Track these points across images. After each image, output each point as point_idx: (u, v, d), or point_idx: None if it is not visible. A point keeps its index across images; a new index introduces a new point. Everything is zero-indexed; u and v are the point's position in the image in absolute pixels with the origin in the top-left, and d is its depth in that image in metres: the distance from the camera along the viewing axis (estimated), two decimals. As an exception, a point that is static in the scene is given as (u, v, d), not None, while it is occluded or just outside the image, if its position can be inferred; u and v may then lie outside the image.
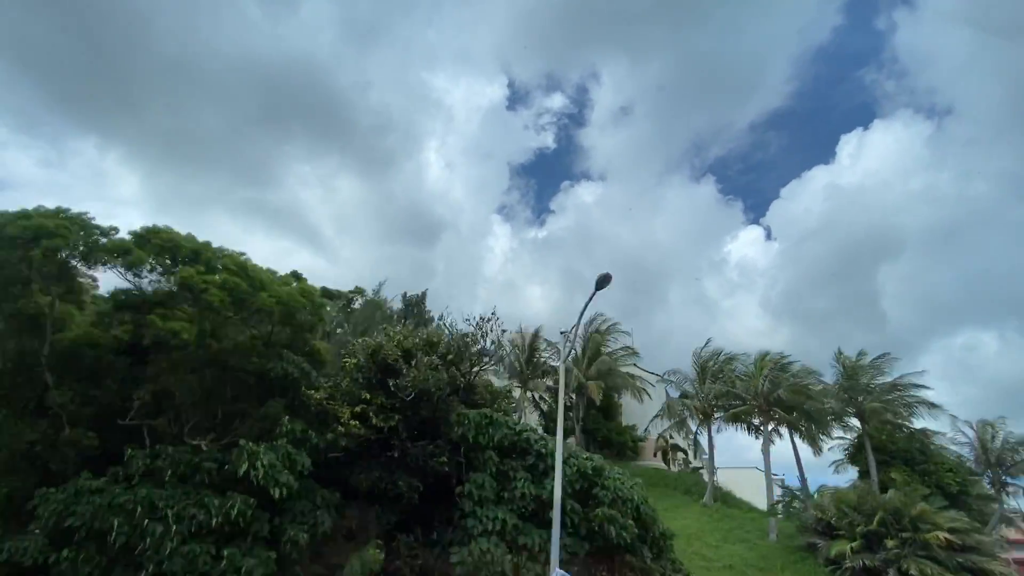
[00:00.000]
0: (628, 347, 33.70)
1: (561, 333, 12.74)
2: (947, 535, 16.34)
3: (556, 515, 10.19)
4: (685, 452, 32.92)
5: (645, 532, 12.14)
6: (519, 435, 12.32)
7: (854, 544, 17.60)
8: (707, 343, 28.65)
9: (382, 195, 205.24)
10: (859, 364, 25.61)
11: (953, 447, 30.61)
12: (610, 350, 33.63)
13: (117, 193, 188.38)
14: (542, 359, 34.51)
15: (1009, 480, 29.40)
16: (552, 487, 11.52)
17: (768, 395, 23.37)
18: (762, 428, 24.71)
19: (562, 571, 9.68)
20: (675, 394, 32.68)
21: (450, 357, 13.17)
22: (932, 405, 24.38)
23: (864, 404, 24.10)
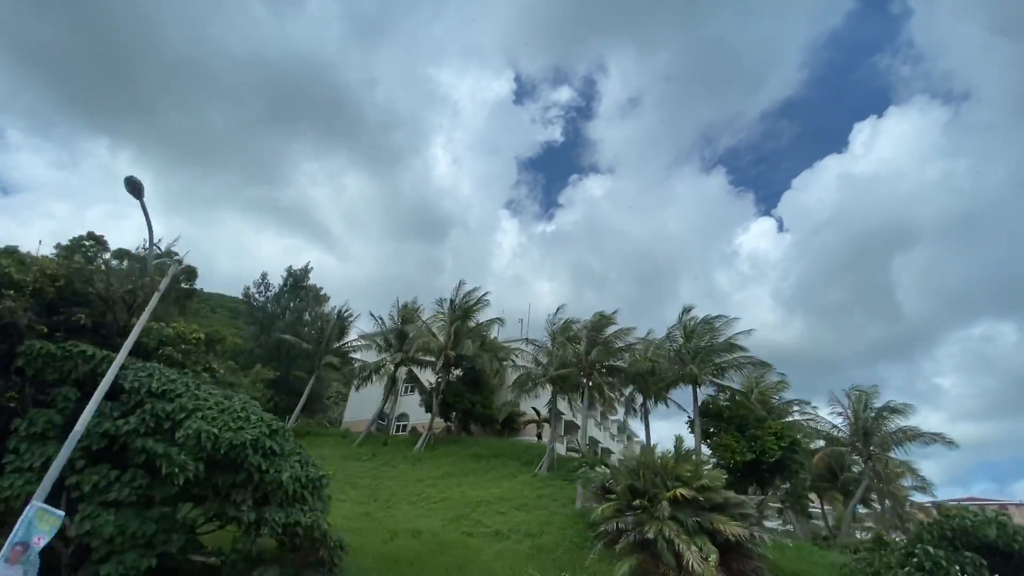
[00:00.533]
0: (497, 318, 32.55)
1: (161, 256, 11.70)
2: (685, 491, 15.08)
3: (66, 448, 9.25)
4: (549, 424, 31.74)
5: (246, 476, 11.10)
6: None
7: (611, 506, 16.43)
8: (558, 309, 27.40)
9: (390, 192, 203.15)
10: (697, 326, 24.20)
11: (827, 417, 29.29)
12: (480, 321, 32.54)
13: (127, 194, 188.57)
14: (412, 333, 33.47)
15: (875, 451, 27.89)
16: (130, 424, 10.69)
17: (585, 357, 22.14)
18: (583, 392, 23.46)
19: (43, 504, 8.73)
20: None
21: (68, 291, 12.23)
22: (762, 364, 22.93)
23: (691, 367, 22.72)
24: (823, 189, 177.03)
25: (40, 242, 18.83)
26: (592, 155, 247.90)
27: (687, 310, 24.78)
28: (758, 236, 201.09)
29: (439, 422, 34.69)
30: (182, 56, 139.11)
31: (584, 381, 23.20)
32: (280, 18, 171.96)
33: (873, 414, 27.67)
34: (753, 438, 21.77)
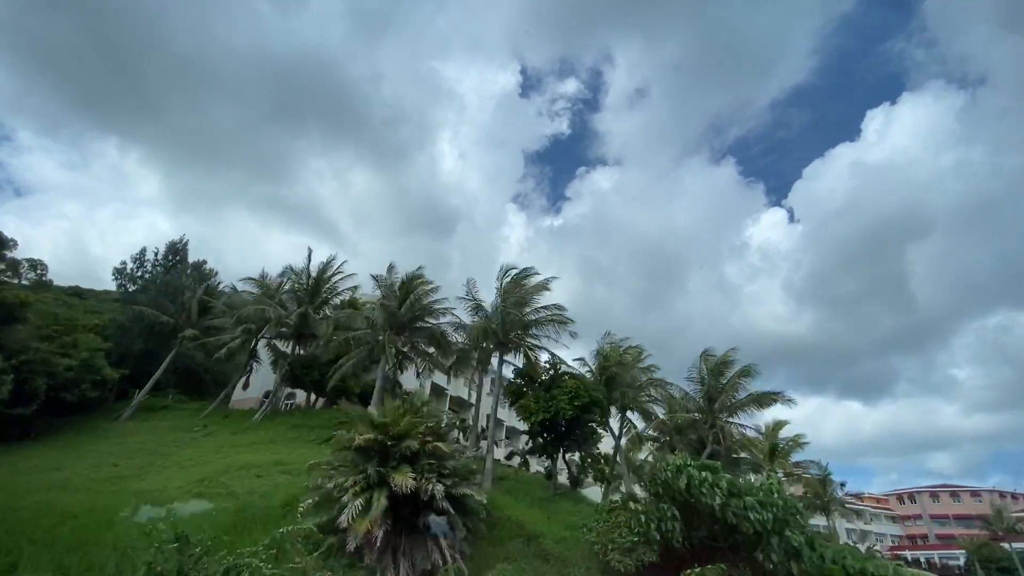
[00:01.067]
0: (354, 287, 31.47)
1: None
2: (371, 436, 13.99)
3: None
4: (407, 394, 30.70)
5: None
6: None
7: (321, 462, 15.37)
8: (389, 268, 26.08)
9: (397, 187, 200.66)
10: (509, 284, 22.88)
11: (685, 383, 28.04)
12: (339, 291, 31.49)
13: (139, 193, 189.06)
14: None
15: (728, 420, 26.50)
16: None
17: (385, 318, 20.98)
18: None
19: None
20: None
21: None
22: (563, 321, 21.61)
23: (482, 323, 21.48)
24: (835, 178, 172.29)
25: None
26: (599, 147, 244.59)
27: (505, 270, 23.48)
28: (769, 227, 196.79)
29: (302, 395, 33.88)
30: (188, 55, 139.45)
31: (387, 344, 22.03)
32: (285, 15, 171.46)
33: (725, 380, 26.27)
34: (550, 398, 20.54)
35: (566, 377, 21.83)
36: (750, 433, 27.62)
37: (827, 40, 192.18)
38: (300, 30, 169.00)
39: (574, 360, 28.01)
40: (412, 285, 22.50)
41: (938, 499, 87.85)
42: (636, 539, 13.56)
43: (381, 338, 21.21)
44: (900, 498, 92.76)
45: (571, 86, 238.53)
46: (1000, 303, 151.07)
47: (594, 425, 21.15)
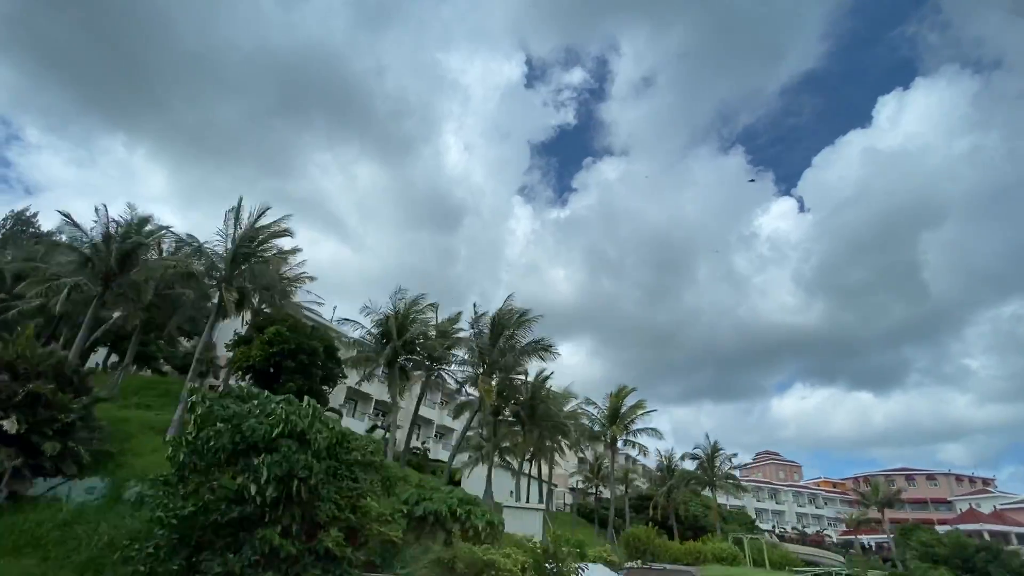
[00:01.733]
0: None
1: None
2: None
3: None
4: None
5: None
6: None
7: None
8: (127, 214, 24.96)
9: (403, 181, 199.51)
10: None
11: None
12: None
13: (146, 190, 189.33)
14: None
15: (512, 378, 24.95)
16: None
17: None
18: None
19: None
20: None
21: None
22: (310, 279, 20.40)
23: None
24: (846, 166, 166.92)
25: None
26: (606, 137, 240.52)
27: (236, 208, 21.72)
28: (778, 217, 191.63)
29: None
30: (192, 50, 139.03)
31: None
32: (287, 9, 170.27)
33: (510, 332, 24.61)
34: (247, 341, 19.18)
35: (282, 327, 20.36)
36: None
37: (838, 24, 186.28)
38: (302, 24, 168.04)
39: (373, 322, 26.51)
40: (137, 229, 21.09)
41: (893, 483, 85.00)
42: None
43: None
44: (856, 482, 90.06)
45: (577, 76, 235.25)
46: (1015, 291, 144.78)
47: (313, 373, 19.63)
